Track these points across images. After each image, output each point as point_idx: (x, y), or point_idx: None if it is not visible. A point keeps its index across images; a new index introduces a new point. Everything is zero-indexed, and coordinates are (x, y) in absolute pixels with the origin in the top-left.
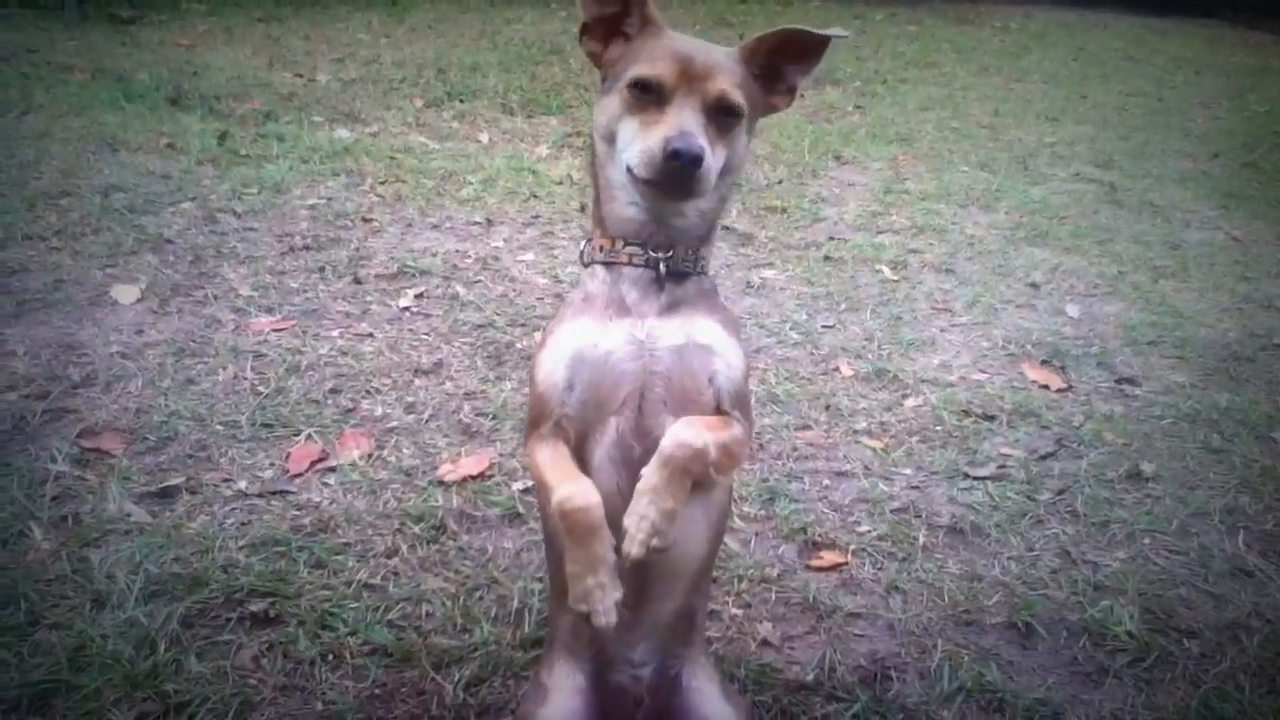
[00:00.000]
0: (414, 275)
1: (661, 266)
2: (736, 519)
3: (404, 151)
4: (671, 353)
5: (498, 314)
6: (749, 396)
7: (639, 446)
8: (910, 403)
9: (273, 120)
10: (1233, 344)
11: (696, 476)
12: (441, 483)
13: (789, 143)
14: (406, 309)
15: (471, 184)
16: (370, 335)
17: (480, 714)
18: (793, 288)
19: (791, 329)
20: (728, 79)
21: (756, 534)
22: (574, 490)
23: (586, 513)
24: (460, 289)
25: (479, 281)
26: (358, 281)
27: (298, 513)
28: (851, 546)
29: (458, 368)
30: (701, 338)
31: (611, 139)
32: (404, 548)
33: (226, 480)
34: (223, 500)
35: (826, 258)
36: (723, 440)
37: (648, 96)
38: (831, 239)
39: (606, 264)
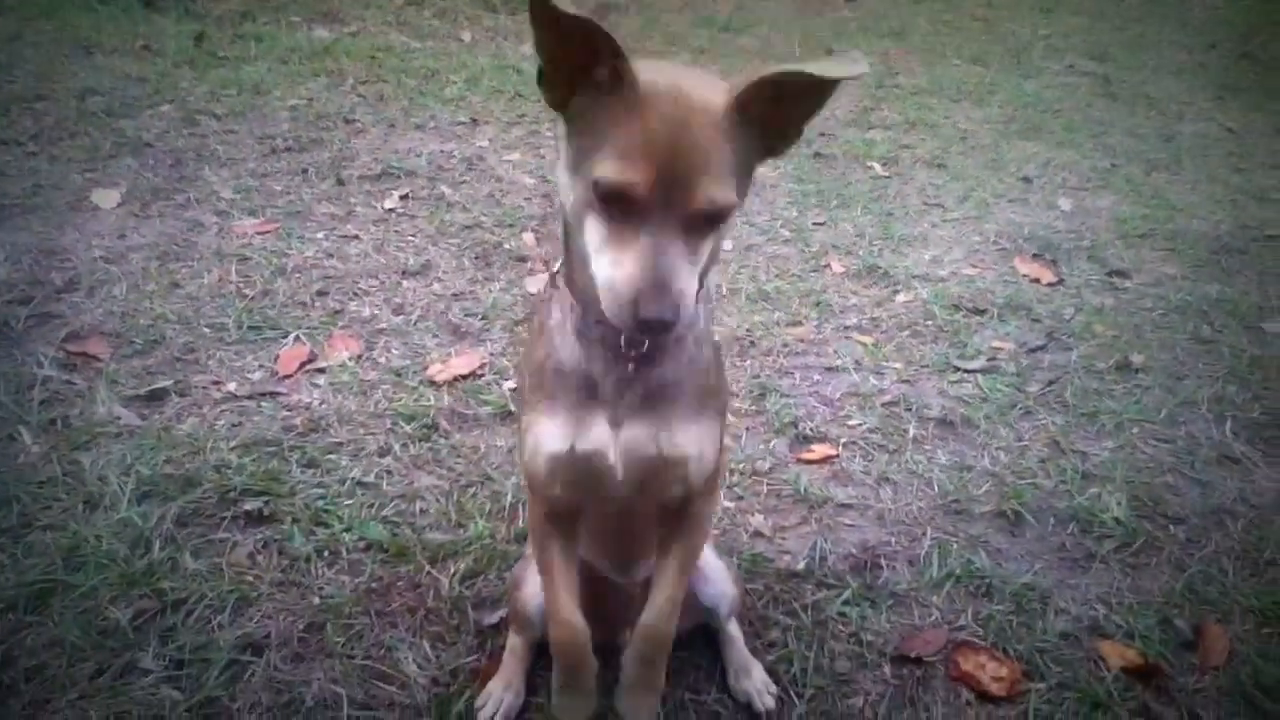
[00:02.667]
0: (399, 176)
1: (630, 366)
2: (728, 415)
3: (385, 51)
4: (643, 463)
5: (485, 214)
6: (721, 468)
7: (620, 518)
8: (901, 298)
9: (250, 20)
10: (1224, 236)
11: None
12: (432, 382)
13: (779, 37)
14: (392, 210)
15: (455, 83)
16: (356, 237)
17: (477, 605)
18: (783, 185)
19: (782, 226)
20: (717, 175)
21: (748, 428)
22: (567, 630)
23: (576, 648)
24: (446, 189)
25: (465, 182)
26: (341, 183)
27: (288, 413)
28: (842, 440)
29: (445, 269)
30: (675, 449)
31: (579, 224)
32: (396, 446)
33: (215, 383)
34: (212, 402)
35: (817, 155)
36: (683, 588)
37: (617, 207)
38: (822, 135)
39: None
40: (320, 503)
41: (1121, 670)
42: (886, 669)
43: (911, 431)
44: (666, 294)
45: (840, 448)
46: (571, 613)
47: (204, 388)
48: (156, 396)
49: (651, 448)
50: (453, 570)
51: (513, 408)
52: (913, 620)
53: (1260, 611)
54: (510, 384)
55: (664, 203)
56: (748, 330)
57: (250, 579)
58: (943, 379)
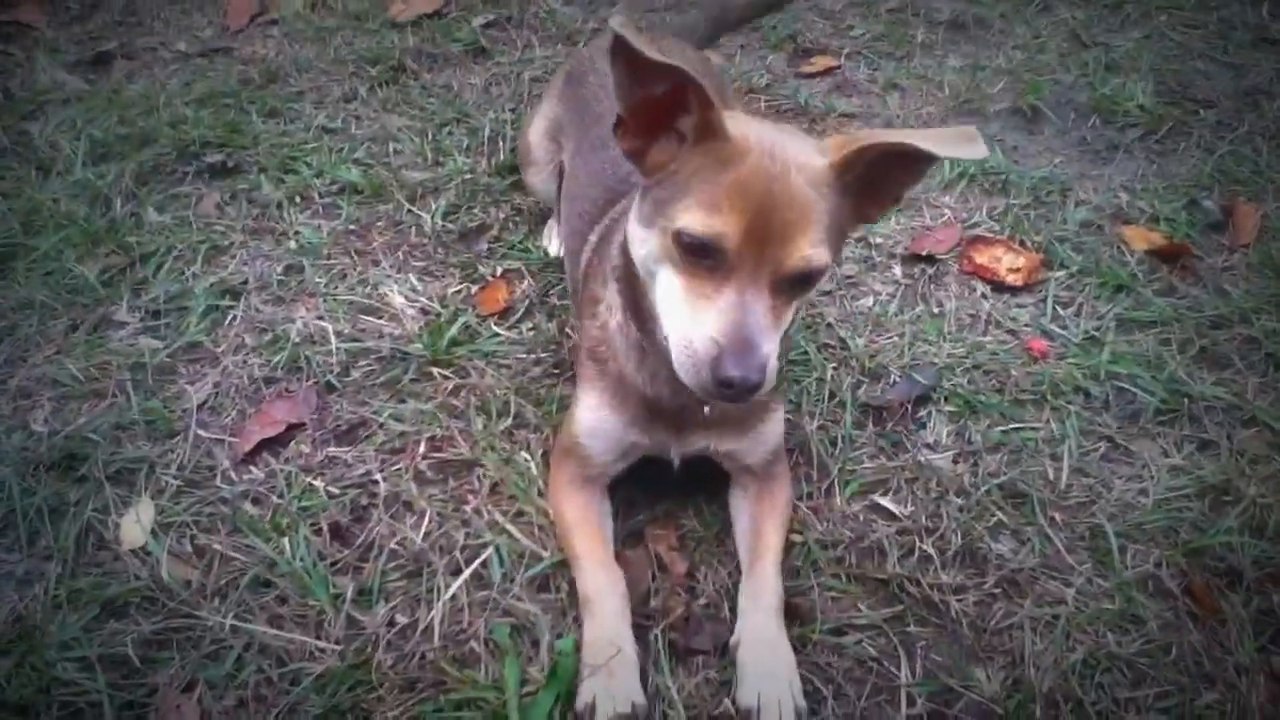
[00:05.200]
0: None
1: (707, 409)
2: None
3: None
4: (700, 455)
5: None
6: (783, 442)
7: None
8: None
9: None
10: None
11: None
12: (394, 24)
13: None
14: None
15: None
16: None
17: (462, 237)
18: None
19: None
20: (811, 235)
21: (741, 47)
22: (602, 576)
23: (612, 600)
24: None
25: None
26: None
27: (244, 67)
28: (845, 50)
29: None
30: (733, 448)
31: (650, 278)
32: (362, 90)
33: (163, 43)
34: (162, 63)
35: None
36: (782, 538)
37: (700, 261)
38: None
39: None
40: (286, 150)
41: (1146, 253)
42: (897, 269)
43: (920, 37)
44: (752, 354)
45: (843, 58)
46: (606, 559)
47: (152, 49)
48: (102, 60)
49: (709, 447)
50: (433, 206)
51: (484, 44)
52: (924, 222)
53: None
54: (480, 20)
55: (754, 259)
56: None
57: (220, 228)
58: None
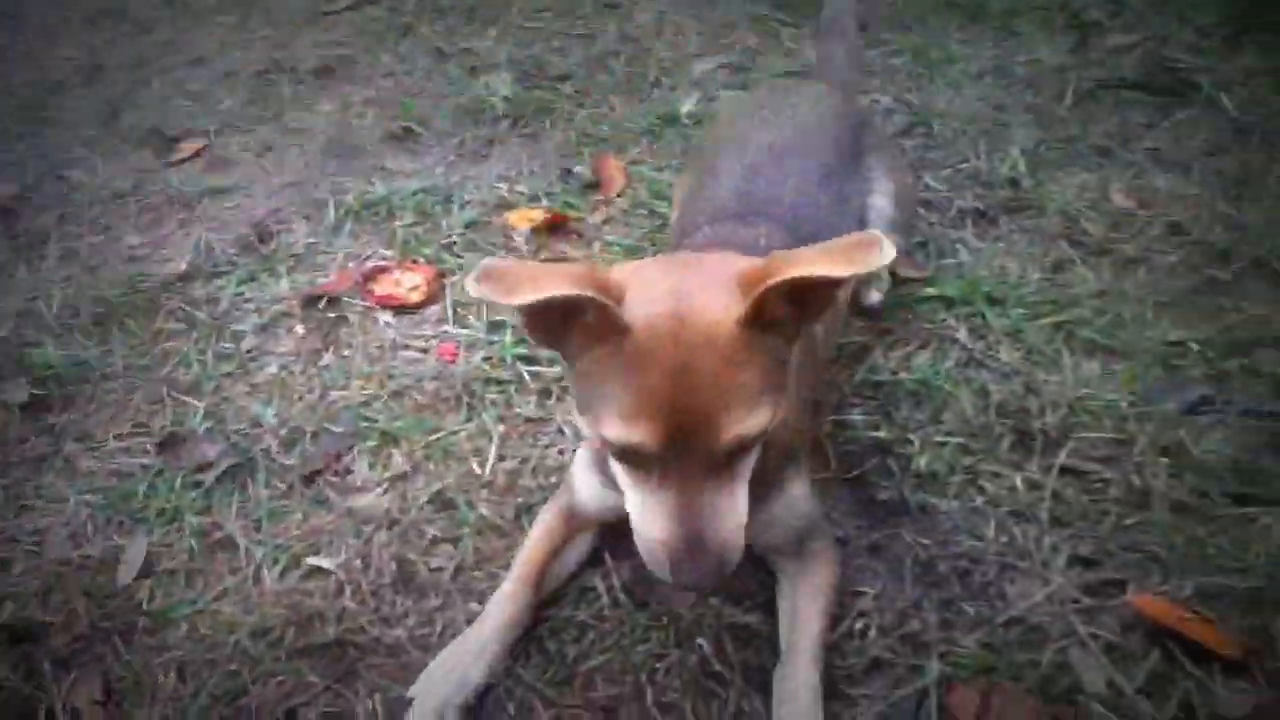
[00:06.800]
0: None
1: None
2: None
3: None
4: None
5: None
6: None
7: None
8: None
9: None
10: None
11: None
12: None
13: None
14: None
15: None
16: None
17: None
18: None
19: None
20: (740, 409)
21: (101, 155)
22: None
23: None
24: None
25: None
26: None
27: None
28: (213, 127)
29: None
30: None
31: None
32: None
33: None
34: None
35: None
36: (823, 626)
37: (634, 461)
38: None
39: None
40: None
41: (532, 231)
42: (299, 327)
43: (288, 92)
44: (703, 553)
45: (212, 135)
46: (527, 575)
47: None
48: None
49: None
50: None
51: None
52: (320, 272)
53: (648, 131)
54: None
55: (683, 452)
56: None
57: None
58: (316, 28)
